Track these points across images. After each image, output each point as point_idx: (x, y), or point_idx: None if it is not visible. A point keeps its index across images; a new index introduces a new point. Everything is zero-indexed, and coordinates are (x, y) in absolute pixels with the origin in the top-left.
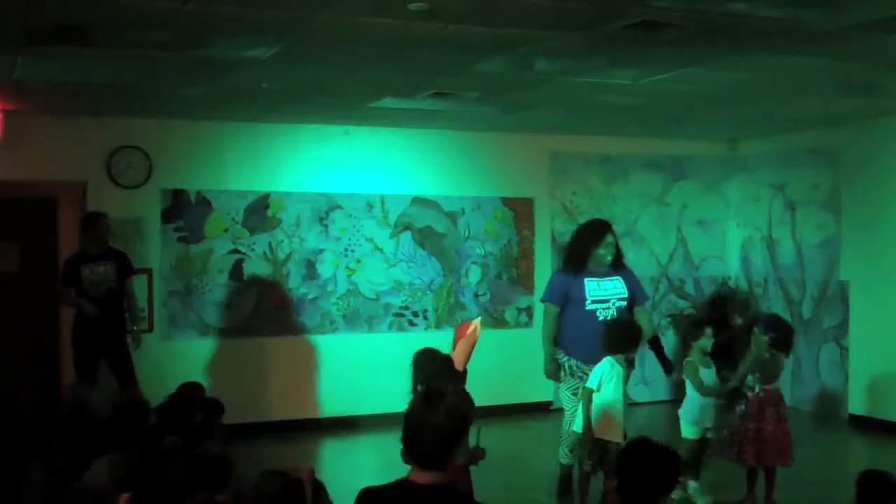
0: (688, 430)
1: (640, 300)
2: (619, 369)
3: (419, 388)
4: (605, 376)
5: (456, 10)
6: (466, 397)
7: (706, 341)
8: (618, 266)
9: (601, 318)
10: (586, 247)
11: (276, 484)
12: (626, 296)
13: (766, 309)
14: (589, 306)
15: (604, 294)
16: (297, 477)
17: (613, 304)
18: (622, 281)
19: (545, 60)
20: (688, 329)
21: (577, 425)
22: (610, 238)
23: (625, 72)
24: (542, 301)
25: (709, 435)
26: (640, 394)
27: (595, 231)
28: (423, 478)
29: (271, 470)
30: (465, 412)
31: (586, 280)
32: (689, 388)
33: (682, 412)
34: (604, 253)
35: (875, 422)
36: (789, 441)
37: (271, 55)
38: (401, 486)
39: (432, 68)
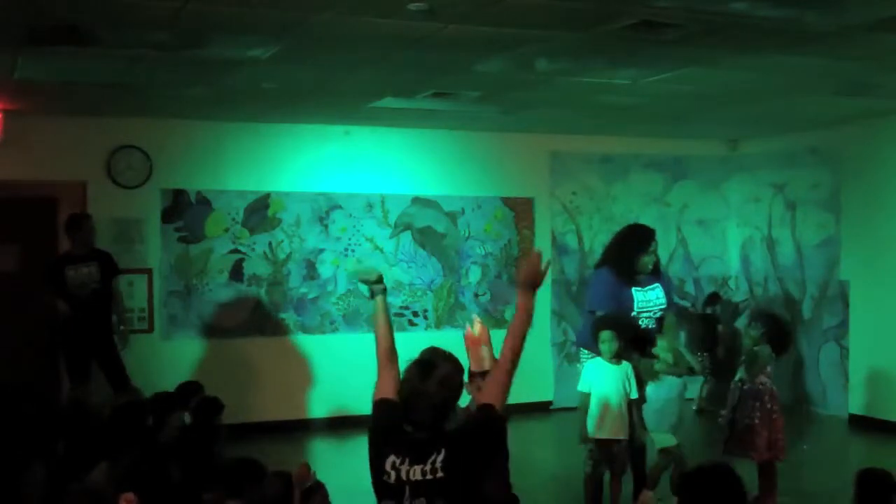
0: (663, 439)
1: (669, 307)
2: (611, 367)
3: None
4: (593, 376)
5: (456, 10)
6: (459, 368)
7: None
8: (656, 272)
9: (643, 326)
10: (632, 254)
11: (276, 484)
12: (664, 305)
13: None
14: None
15: (648, 304)
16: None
17: (655, 313)
18: (661, 289)
19: (545, 60)
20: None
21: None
22: (654, 246)
23: (625, 72)
24: (590, 311)
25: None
26: None
27: (641, 239)
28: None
29: (275, 471)
30: (457, 381)
31: (634, 290)
32: (653, 393)
33: (650, 420)
34: (648, 261)
35: (875, 421)
36: (779, 437)
37: (271, 55)
38: (409, 435)
39: (432, 68)
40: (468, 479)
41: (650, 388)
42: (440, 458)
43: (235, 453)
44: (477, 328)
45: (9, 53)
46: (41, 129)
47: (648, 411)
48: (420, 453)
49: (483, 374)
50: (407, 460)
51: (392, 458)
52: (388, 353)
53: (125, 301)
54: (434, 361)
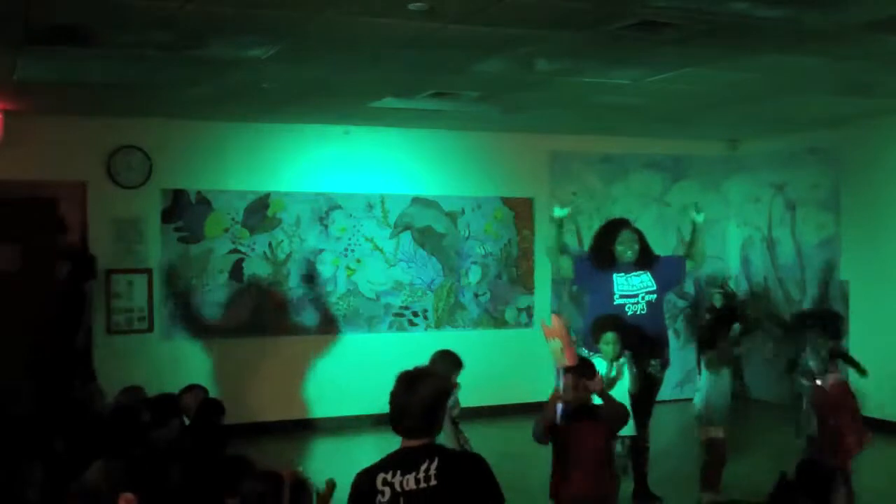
0: (708, 430)
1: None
2: (605, 365)
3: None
4: None
5: (456, 10)
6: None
7: (734, 336)
8: (647, 261)
9: (630, 312)
10: (604, 246)
11: (259, 485)
12: (654, 289)
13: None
14: (617, 301)
15: (632, 289)
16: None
17: (642, 297)
18: (649, 275)
19: (545, 60)
20: (716, 326)
21: None
22: (626, 234)
23: (625, 72)
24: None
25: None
26: None
27: (609, 230)
28: (415, 443)
29: (264, 471)
30: (441, 385)
31: (615, 275)
32: (707, 384)
33: (700, 409)
34: (622, 249)
35: (876, 422)
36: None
37: (271, 55)
38: (396, 453)
39: (432, 68)
40: (462, 488)
41: (706, 379)
42: (433, 465)
43: (232, 453)
44: (553, 322)
45: (9, 53)
46: (41, 129)
47: (710, 401)
48: (410, 463)
49: (574, 368)
50: (398, 472)
51: (381, 475)
52: None
53: (127, 301)
54: (418, 375)
